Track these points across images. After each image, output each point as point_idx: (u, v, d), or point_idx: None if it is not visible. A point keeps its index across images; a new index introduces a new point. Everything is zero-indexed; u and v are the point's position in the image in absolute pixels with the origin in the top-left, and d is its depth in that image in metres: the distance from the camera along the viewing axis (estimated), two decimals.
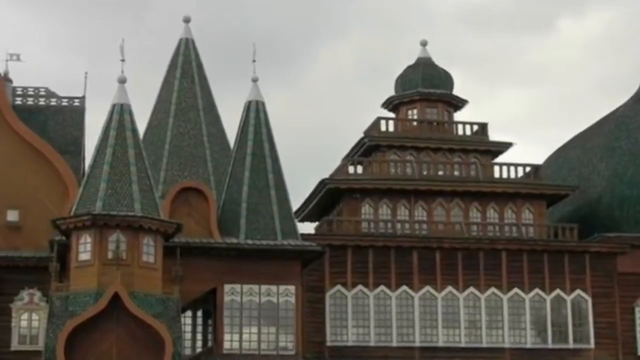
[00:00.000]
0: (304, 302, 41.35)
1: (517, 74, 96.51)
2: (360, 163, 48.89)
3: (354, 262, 45.27)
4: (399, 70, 52.76)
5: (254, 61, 42.27)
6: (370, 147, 49.04)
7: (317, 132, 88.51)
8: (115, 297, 33.89)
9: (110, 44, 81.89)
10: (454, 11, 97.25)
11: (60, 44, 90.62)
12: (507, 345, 45.66)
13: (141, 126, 40.78)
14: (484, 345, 45.53)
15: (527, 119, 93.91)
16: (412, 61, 52.84)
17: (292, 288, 39.53)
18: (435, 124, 50.92)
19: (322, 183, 47.58)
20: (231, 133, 43.78)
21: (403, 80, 52.06)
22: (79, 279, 34.93)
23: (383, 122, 49.95)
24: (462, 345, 45.41)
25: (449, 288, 45.74)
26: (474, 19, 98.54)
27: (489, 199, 48.31)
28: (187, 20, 46.52)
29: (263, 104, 42.18)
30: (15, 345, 39.72)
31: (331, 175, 48.11)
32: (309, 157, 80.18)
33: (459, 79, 53.01)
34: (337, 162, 49.24)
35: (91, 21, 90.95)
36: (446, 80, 51.92)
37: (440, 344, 45.20)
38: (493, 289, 46.04)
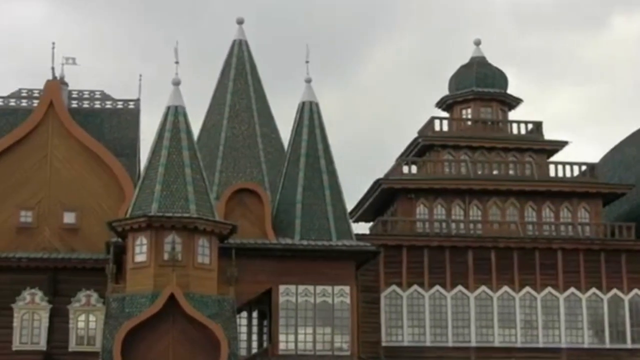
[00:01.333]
0: (359, 302, 41.28)
1: (571, 72, 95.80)
2: (414, 163, 48.75)
3: (409, 262, 45.17)
4: (452, 70, 52.58)
5: (307, 62, 42.33)
6: (424, 146, 48.88)
7: (370, 132, 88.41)
8: (171, 299, 34.04)
9: (164, 46, 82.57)
10: (506, 9, 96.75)
11: (115, 47, 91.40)
12: (564, 345, 45.29)
13: (195, 128, 40.97)
14: (541, 345, 45.21)
15: (582, 117, 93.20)
16: (465, 60, 52.61)
17: (347, 288, 39.47)
18: (489, 123, 50.66)
19: (377, 183, 47.53)
20: (285, 134, 43.92)
21: (457, 80, 51.83)
22: (135, 280, 35.12)
23: (437, 122, 49.79)
24: (519, 345, 45.10)
25: (505, 288, 45.47)
26: (527, 17, 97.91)
27: (544, 198, 47.96)
28: (240, 22, 46.64)
29: (317, 104, 42.18)
30: (73, 346, 40.07)
31: (385, 175, 48.02)
32: (361, 157, 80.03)
33: (513, 78, 52.77)
34: (390, 162, 49.19)
35: (145, 24, 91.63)
36: (500, 79, 51.62)
37: (497, 344, 44.94)
38: (549, 289, 45.69)
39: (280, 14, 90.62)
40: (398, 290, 44.84)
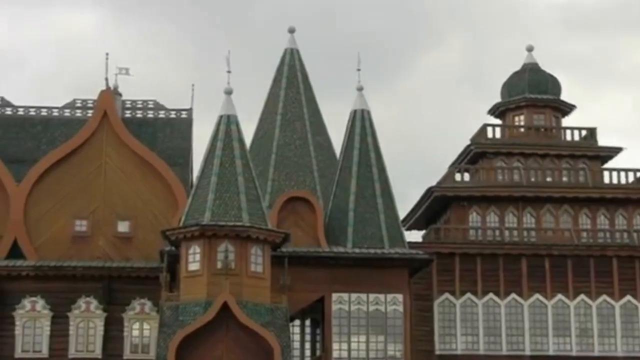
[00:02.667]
0: (412, 310, 41.14)
1: (624, 76, 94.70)
2: (467, 170, 48.56)
3: (462, 270, 45.00)
4: (501, 76, 52.30)
5: (359, 70, 42.34)
6: (477, 154, 48.66)
7: (420, 140, 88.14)
8: (225, 307, 34.17)
9: (216, 56, 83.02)
10: (555, 14, 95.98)
11: (167, 56, 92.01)
12: (620, 354, 44.83)
13: (248, 136, 41.13)
14: (596, 354, 44.78)
15: (637, 122, 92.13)
16: (516, 67, 52.34)
17: (400, 296, 39.37)
18: (542, 130, 50.33)
19: (429, 191, 47.39)
20: (337, 142, 43.93)
21: (509, 87, 51.55)
22: (188, 288, 35.31)
23: (490, 129, 49.55)
24: (574, 354, 44.71)
25: (559, 296, 45.13)
26: (578, 22, 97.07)
27: (598, 205, 47.54)
28: (291, 31, 46.74)
29: (369, 112, 42.18)
30: (127, 354, 40.33)
31: (438, 183, 47.86)
32: (412, 164, 79.81)
33: (565, 83, 52.31)
34: (442, 170, 49.02)
35: (197, 33, 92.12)
36: (553, 85, 51.25)
37: (551, 352, 44.60)
38: (604, 297, 45.26)
39: (329, 22, 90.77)
40: (451, 298, 44.67)
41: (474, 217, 47.11)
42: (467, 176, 48.38)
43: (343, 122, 42.48)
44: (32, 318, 40.34)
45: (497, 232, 46.46)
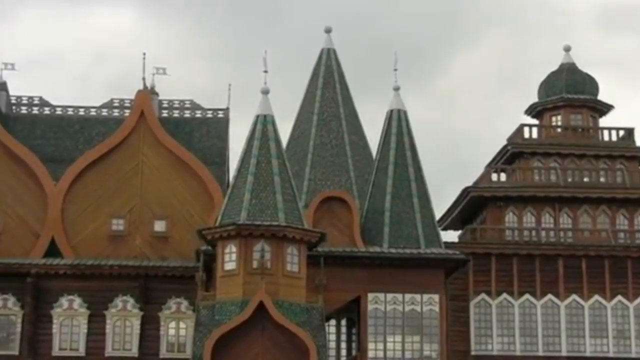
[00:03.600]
0: (448, 310, 41.03)
1: None
2: (503, 170, 48.38)
3: (498, 270, 44.84)
4: (538, 76, 52.06)
5: (396, 70, 42.26)
6: (513, 154, 48.48)
7: (455, 140, 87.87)
8: (260, 306, 34.22)
9: (252, 55, 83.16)
10: (592, 13, 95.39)
11: (203, 56, 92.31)
12: None
13: (284, 136, 41.14)
14: (633, 355, 44.47)
15: None
16: (553, 66, 52.10)
17: (436, 297, 39.27)
18: (580, 130, 50.05)
19: (466, 191, 47.27)
20: (373, 141, 43.90)
21: (546, 87, 51.31)
22: (224, 288, 35.38)
23: (526, 129, 49.33)
24: (611, 355, 44.44)
25: (596, 297, 44.85)
26: (616, 21, 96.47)
27: (636, 205, 47.27)
28: (328, 31, 46.74)
29: (405, 112, 42.10)
30: (163, 353, 40.48)
31: (474, 183, 47.73)
32: (447, 164, 79.60)
33: (603, 83, 51.98)
34: (476, 169, 48.90)
35: (234, 33, 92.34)
36: (591, 85, 50.96)
37: (588, 353, 44.33)
38: None
39: (365, 21, 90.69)
40: (487, 298, 44.50)
41: (510, 218, 46.94)
42: (503, 176, 48.21)
43: (379, 122, 42.48)
44: (69, 316, 40.59)
45: (534, 233, 46.26)
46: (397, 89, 42.23)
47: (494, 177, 47.97)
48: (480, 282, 44.50)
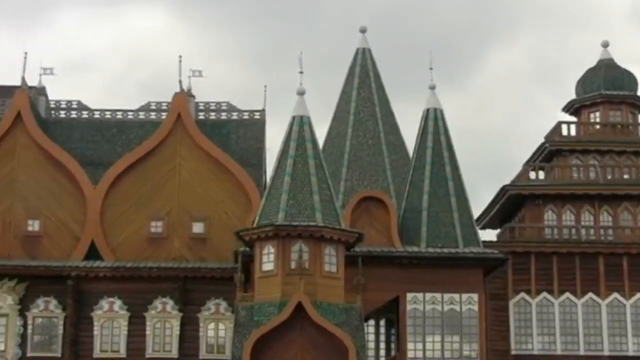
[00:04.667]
0: (487, 310, 40.85)
1: None
2: (542, 168, 48.09)
3: (537, 269, 44.56)
4: (576, 72, 51.72)
5: (431, 68, 42.22)
6: (551, 151, 48.18)
7: (491, 138, 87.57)
8: (299, 307, 34.22)
9: (287, 56, 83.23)
10: (630, 8, 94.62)
11: (238, 58, 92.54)
12: None
13: (320, 136, 41.16)
14: None
15: None
16: (591, 63, 51.75)
17: (474, 296, 39.13)
18: (618, 126, 49.64)
19: (504, 189, 47.04)
20: (409, 141, 43.83)
21: (584, 83, 50.94)
22: (263, 289, 35.41)
23: (564, 126, 49.00)
24: None
25: (638, 295, 44.46)
26: None
27: None
28: (363, 31, 46.70)
29: (441, 111, 42.00)
30: (203, 354, 40.66)
31: (512, 182, 47.47)
32: (483, 162, 79.33)
33: None
34: (513, 167, 48.64)
35: (268, 34, 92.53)
36: (630, 81, 50.52)
37: (631, 352, 43.93)
38: None
39: (399, 20, 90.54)
40: (527, 297, 44.25)
41: (549, 216, 46.65)
42: (541, 174, 47.92)
43: (415, 121, 42.42)
44: (109, 318, 40.88)
45: (573, 231, 45.96)
46: (433, 87, 42.15)
47: (532, 175, 47.67)
48: (520, 281, 44.25)
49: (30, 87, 44.89)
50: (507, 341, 43.59)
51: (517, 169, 48.51)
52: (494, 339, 42.52)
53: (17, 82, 44.55)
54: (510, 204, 47.67)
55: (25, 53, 44.39)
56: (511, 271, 43.91)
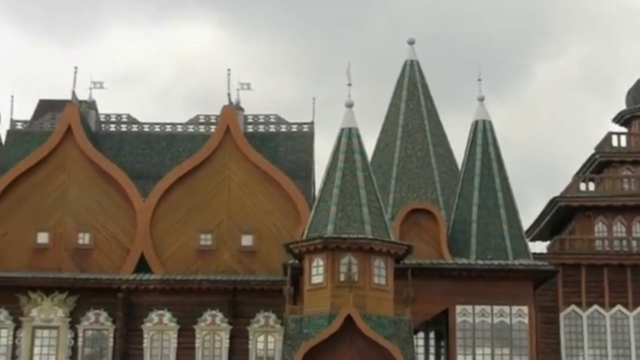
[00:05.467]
0: (538, 322, 40.56)
1: None
2: (592, 180, 47.74)
3: (588, 281, 44.25)
4: (624, 82, 51.31)
5: (480, 80, 42.03)
6: (601, 163, 47.84)
7: (540, 149, 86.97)
8: (348, 319, 34.16)
9: (334, 68, 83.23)
10: None
11: (286, 70, 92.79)
12: None
13: (369, 148, 41.10)
14: None
15: None
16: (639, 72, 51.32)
17: (525, 308, 38.83)
18: None
19: (554, 201, 46.75)
20: (458, 153, 43.68)
21: (634, 93, 50.54)
22: (312, 301, 35.41)
23: (615, 137, 48.62)
24: None
25: None
26: None
27: None
28: (411, 42, 46.60)
29: (490, 122, 41.81)
30: None
31: (562, 193, 47.18)
32: (531, 173, 78.82)
33: None
34: (562, 178, 48.37)
35: (315, 46, 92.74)
36: None
37: None
38: None
39: (446, 31, 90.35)
40: (578, 310, 43.94)
41: (599, 227, 46.31)
42: (592, 186, 47.57)
43: (463, 133, 42.25)
44: (159, 331, 41.09)
45: (624, 242, 45.54)
46: (481, 99, 41.98)
47: (582, 186, 47.35)
48: (570, 293, 43.94)
49: (81, 101, 45.30)
50: (558, 354, 43.31)
51: (567, 180, 48.25)
52: (545, 351, 42.23)
53: (67, 97, 45.05)
54: (561, 216, 47.36)
55: (76, 67, 44.86)
56: (561, 283, 43.63)
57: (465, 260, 39.29)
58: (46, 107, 48.61)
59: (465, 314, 38.87)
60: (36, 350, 40.98)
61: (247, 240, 42.10)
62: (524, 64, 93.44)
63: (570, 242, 45.77)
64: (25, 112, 48.43)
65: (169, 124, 46.54)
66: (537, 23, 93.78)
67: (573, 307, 43.99)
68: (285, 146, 45.41)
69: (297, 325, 35.13)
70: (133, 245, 42.01)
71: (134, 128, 46.52)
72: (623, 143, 48.72)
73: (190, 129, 46.34)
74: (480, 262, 39.15)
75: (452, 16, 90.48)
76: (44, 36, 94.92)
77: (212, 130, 44.79)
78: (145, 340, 40.99)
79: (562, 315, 43.85)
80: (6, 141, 46.08)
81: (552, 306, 43.62)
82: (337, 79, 44.27)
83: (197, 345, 40.87)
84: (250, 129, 45.84)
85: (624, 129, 50.44)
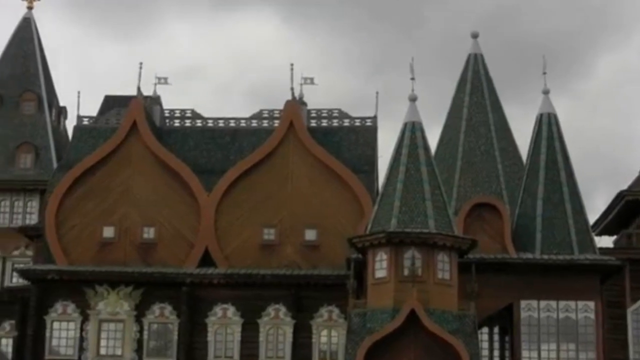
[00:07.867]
0: (604, 318, 40.06)
1: None
2: None
3: None
4: None
5: (545, 73, 41.62)
6: None
7: (604, 142, 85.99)
8: (412, 314, 34.08)
9: (397, 62, 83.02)
10: None
11: (350, 65, 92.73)
12: None
13: (432, 142, 40.96)
14: None
15: None
16: None
17: (591, 304, 38.39)
18: None
19: (620, 195, 46.17)
20: (522, 146, 43.30)
21: None
22: (375, 295, 35.36)
23: None
24: None
25: None
26: None
27: None
28: (475, 36, 46.34)
29: (555, 116, 41.40)
30: None
31: (629, 187, 46.60)
32: (595, 167, 77.92)
33: None
34: (628, 172, 47.77)
35: (377, 40, 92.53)
36: None
37: None
38: None
39: (509, 24, 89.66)
40: None
41: None
42: None
43: (528, 126, 41.87)
44: (223, 325, 41.28)
45: None
46: (546, 92, 41.58)
47: None
48: (638, 288, 43.32)
49: (145, 97, 45.64)
50: (625, 350, 42.71)
51: (633, 173, 47.69)
52: (612, 347, 41.70)
53: (131, 92, 45.43)
54: (627, 210, 46.76)
55: (141, 63, 45.18)
56: (629, 278, 43.02)
57: (530, 255, 38.96)
58: (112, 103, 49.19)
59: (530, 309, 38.53)
60: (102, 342, 41.46)
61: (310, 235, 42.11)
62: (588, 56, 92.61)
63: (637, 236, 45.20)
64: (91, 108, 49.15)
65: (232, 118, 46.71)
66: (601, 14, 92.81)
67: None
68: (349, 140, 45.28)
69: (361, 320, 35.12)
70: (197, 240, 42.24)
71: (198, 123, 46.74)
72: None
73: (254, 123, 46.45)
74: (545, 256, 38.80)
75: (514, 9, 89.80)
76: (109, 34, 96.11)
77: (276, 125, 44.87)
78: (209, 334, 41.23)
79: (629, 310, 43.26)
80: (73, 137, 46.66)
81: (619, 301, 43.06)
82: (400, 73, 44.11)
83: (260, 339, 41.00)
84: (313, 123, 45.79)
85: None
